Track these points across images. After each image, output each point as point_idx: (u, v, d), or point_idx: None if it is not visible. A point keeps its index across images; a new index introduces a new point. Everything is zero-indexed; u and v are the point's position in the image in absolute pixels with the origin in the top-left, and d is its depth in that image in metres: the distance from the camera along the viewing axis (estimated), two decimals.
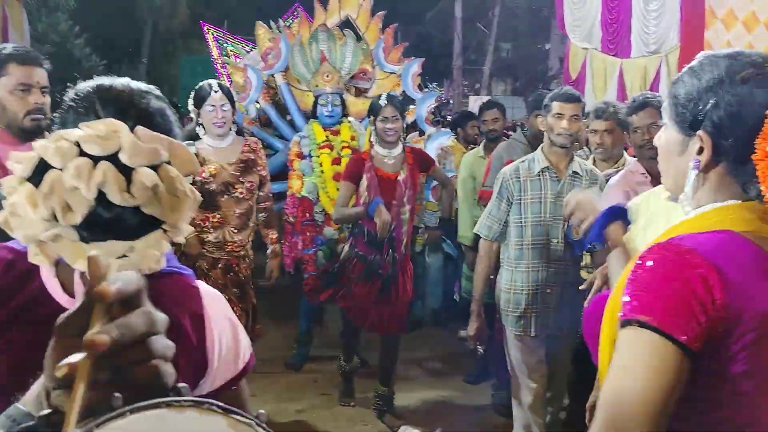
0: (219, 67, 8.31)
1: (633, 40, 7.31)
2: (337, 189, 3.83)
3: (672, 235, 1.10)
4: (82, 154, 0.86)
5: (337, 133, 4.56)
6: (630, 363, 1.00)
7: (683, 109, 1.11)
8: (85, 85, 1.06)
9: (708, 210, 1.10)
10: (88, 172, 0.85)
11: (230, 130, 3.40)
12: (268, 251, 3.68)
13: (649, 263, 1.02)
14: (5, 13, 8.41)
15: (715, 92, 1.07)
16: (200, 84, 3.39)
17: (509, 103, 14.38)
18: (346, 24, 5.34)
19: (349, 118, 4.70)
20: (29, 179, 0.87)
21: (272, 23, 5.50)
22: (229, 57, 7.27)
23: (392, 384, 3.89)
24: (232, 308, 3.62)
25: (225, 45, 8.45)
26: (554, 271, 3.03)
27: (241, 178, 3.36)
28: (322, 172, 4.52)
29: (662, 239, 1.09)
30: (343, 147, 4.54)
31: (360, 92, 5.18)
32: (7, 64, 2.25)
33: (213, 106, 3.30)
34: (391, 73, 5.14)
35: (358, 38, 5.19)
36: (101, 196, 0.86)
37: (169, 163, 0.91)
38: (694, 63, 1.13)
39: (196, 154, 3.29)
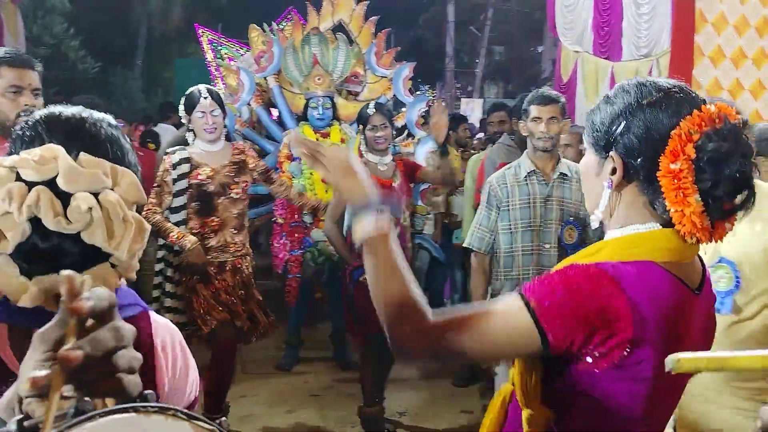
0: (213, 70, 8.31)
1: (624, 44, 7.33)
2: (326, 191, 3.82)
3: (600, 252, 1.17)
4: (20, 179, 0.85)
5: (327, 135, 4.60)
6: (499, 317, 1.11)
7: (598, 133, 1.20)
8: (36, 114, 1.02)
9: (631, 234, 1.17)
10: (20, 196, 0.83)
11: (221, 135, 3.42)
12: (317, 206, 4.05)
13: (571, 272, 1.10)
14: (0, 16, 8.42)
15: (625, 116, 1.15)
16: (190, 90, 3.40)
17: None
18: (339, 28, 5.36)
19: (340, 122, 4.73)
20: None
21: (265, 26, 5.52)
22: (223, 59, 7.25)
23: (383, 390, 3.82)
24: (237, 313, 3.55)
25: (219, 48, 8.43)
26: None
27: (235, 179, 3.41)
28: (311, 174, 4.55)
29: (591, 256, 1.18)
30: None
31: (351, 95, 5.20)
32: None
33: (203, 112, 3.32)
34: (382, 77, 5.17)
35: (351, 42, 5.21)
36: (38, 225, 0.84)
37: (113, 189, 0.89)
38: (609, 92, 1.22)
39: (189, 159, 3.32)
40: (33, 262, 0.87)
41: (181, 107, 3.42)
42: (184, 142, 3.48)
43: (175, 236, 3.25)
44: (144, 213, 3.17)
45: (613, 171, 1.16)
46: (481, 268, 3.07)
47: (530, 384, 1.16)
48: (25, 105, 2.30)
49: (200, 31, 8.22)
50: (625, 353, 1.06)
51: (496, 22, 18.37)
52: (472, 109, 9.35)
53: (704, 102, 1.13)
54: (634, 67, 7.18)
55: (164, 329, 1.11)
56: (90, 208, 0.85)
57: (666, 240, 1.13)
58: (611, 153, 1.17)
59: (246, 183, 3.45)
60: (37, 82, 2.36)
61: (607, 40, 7.61)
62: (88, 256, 0.88)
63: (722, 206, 1.09)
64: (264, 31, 5.47)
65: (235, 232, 3.42)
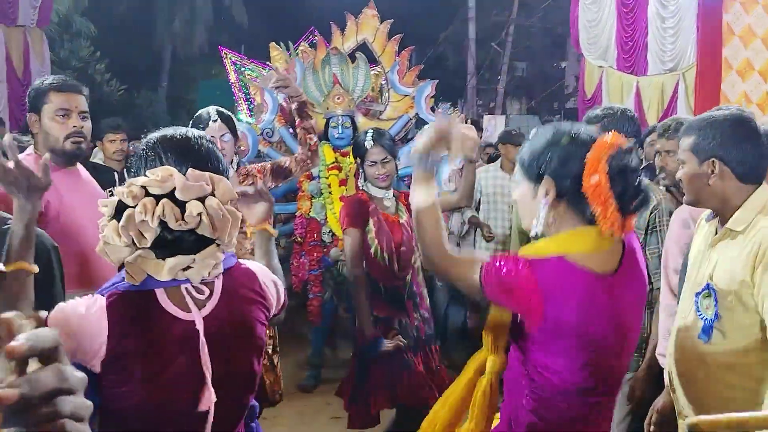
0: (237, 91, 8.37)
1: (649, 58, 7.25)
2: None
3: (528, 252, 1.55)
4: (148, 194, 1.23)
5: (346, 154, 4.55)
6: (470, 266, 1.58)
7: (529, 166, 1.58)
8: (152, 136, 1.40)
9: (555, 236, 1.55)
10: (152, 208, 1.21)
11: (231, 162, 3.08)
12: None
13: (505, 270, 1.50)
14: (27, 40, 8.60)
15: (549, 150, 1.54)
16: (199, 112, 3.11)
17: (524, 122, 14.32)
18: (362, 47, 5.34)
19: None
20: (114, 217, 1.24)
21: (282, 45, 5.53)
22: (246, 80, 7.29)
23: None
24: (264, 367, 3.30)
25: (243, 69, 8.51)
26: None
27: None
28: (330, 193, 4.52)
29: (531, 248, 1.58)
30: (351, 168, 4.53)
31: (369, 113, 5.16)
32: (48, 93, 2.42)
33: (212, 136, 2.90)
34: (405, 95, 5.12)
35: (375, 61, 5.19)
36: (165, 225, 1.22)
37: (213, 193, 1.27)
38: (530, 135, 1.64)
39: None
40: (164, 249, 1.25)
41: None
42: None
43: None
44: None
45: (547, 192, 1.53)
46: None
47: (496, 333, 1.61)
48: (74, 127, 2.43)
49: (224, 53, 8.29)
50: (541, 328, 1.47)
51: (517, 39, 18.29)
52: (495, 126, 9.26)
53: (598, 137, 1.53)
54: (659, 82, 7.09)
55: (259, 271, 1.52)
56: (199, 213, 1.23)
57: (583, 235, 1.52)
58: (544, 178, 1.53)
59: None
60: (84, 106, 2.49)
61: (632, 54, 7.52)
62: (200, 242, 1.27)
63: (629, 206, 1.49)
64: (285, 50, 5.48)
65: None
